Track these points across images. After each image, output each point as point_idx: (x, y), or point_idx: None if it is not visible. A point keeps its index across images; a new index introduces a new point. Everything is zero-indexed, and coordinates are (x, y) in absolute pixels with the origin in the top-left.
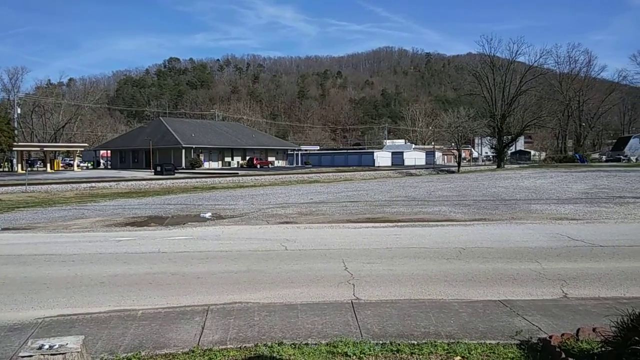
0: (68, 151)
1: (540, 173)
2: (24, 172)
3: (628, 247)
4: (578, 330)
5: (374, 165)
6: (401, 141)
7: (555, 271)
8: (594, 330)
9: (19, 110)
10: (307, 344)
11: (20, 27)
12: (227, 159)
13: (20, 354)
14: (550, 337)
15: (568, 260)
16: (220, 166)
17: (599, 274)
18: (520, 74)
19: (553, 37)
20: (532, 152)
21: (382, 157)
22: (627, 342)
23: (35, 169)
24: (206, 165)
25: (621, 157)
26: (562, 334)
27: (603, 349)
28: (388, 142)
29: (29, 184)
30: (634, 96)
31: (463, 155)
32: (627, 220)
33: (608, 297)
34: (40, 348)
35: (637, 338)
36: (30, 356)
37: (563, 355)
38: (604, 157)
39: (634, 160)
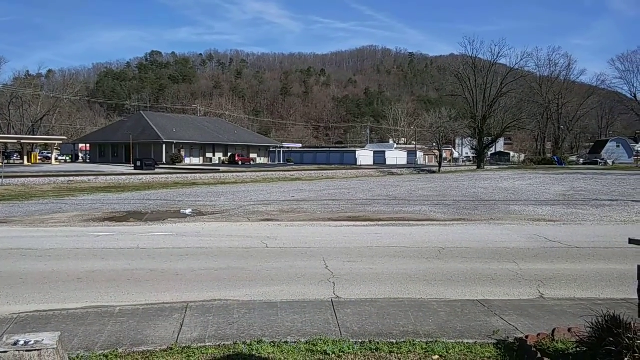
0: (46, 144)
1: (519, 174)
2: (0, 164)
3: (604, 248)
4: (554, 330)
5: (356, 164)
6: (390, 144)
7: (532, 272)
8: (569, 330)
9: None
10: (286, 342)
11: (0, 16)
12: (209, 155)
13: None
14: (527, 336)
15: (545, 261)
16: (201, 162)
17: (575, 275)
18: (502, 76)
19: (534, 40)
20: (512, 154)
21: (364, 156)
22: (601, 342)
23: (12, 161)
24: (187, 160)
25: (598, 160)
26: (538, 334)
27: (578, 349)
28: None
29: (5, 177)
30: (611, 100)
31: (444, 155)
32: (603, 223)
33: (583, 298)
34: (15, 344)
35: (611, 339)
36: (5, 352)
37: (539, 355)
38: (581, 159)
39: (611, 164)
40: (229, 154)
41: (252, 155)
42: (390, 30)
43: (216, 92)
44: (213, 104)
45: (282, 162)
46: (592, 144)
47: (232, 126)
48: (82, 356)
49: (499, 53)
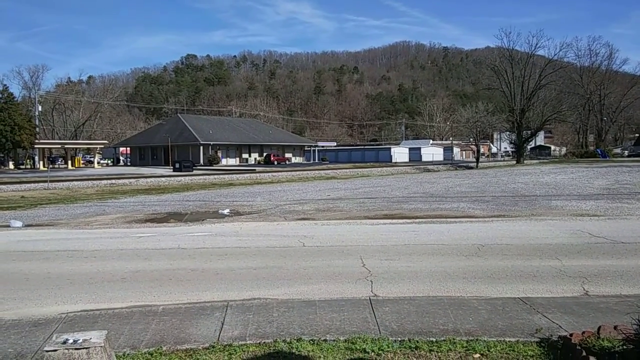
0: (88, 148)
1: (560, 168)
2: (45, 169)
3: None
4: (599, 327)
5: (391, 161)
6: (425, 140)
7: (576, 268)
8: (615, 328)
9: (40, 108)
10: (325, 340)
11: (42, 25)
12: (245, 156)
13: (45, 349)
14: (571, 334)
15: (589, 257)
16: (237, 163)
17: (620, 271)
18: (540, 67)
19: (573, 31)
20: (552, 147)
21: (400, 153)
22: None
23: (56, 166)
24: (224, 161)
25: None
26: (583, 332)
27: (625, 346)
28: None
29: (51, 181)
30: None
31: (482, 150)
32: None
33: (630, 295)
34: (64, 342)
35: None
36: (55, 350)
37: (584, 353)
38: (626, 152)
39: None
40: (265, 154)
41: (287, 155)
42: (424, 25)
43: (250, 93)
44: (248, 104)
45: (317, 161)
46: (637, 135)
47: (266, 126)
48: (128, 354)
49: (536, 44)
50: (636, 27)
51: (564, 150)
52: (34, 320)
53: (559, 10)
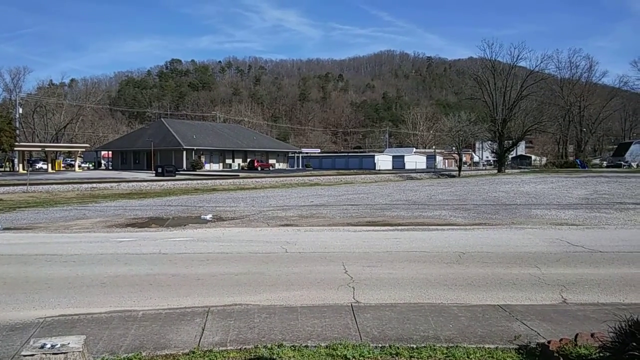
0: (69, 151)
1: (540, 178)
2: (25, 172)
3: (628, 252)
4: (576, 335)
5: (375, 169)
6: (409, 148)
7: (554, 276)
8: (592, 335)
9: (20, 110)
10: (306, 346)
11: (27, 28)
12: (228, 161)
13: (23, 353)
14: (549, 342)
15: (568, 265)
16: (221, 168)
17: (598, 280)
18: (521, 78)
19: (554, 43)
20: (533, 157)
21: (383, 161)
22: (624, 347)
23: (36, 168)
24: (207, 167)
25: (622, 163)
26: (561, 339)
27: (601, 354)
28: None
29: (30, 184)
30: (634, 102)
31: (464, 159)
32: (627, 226)
33: (607, 303)
34: (42, 347)
35: (634, 344)
36: (32, 355)
37: None
38: (604, 162)
39: (635, 166)
40: (248, 160)
41: (271, 161)
42: (409, 35)
43: (235, 99)
44: (232, 110)
45: (300, 167)
46: (616, 146)
47: (251, 132)
48: (106, 359)
49: (518, 56)
50: (616, 40)
51: (544, 160)
52: (11, 325)
53: (541, 22)
